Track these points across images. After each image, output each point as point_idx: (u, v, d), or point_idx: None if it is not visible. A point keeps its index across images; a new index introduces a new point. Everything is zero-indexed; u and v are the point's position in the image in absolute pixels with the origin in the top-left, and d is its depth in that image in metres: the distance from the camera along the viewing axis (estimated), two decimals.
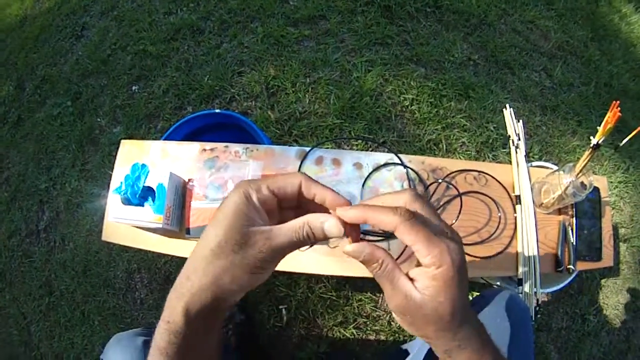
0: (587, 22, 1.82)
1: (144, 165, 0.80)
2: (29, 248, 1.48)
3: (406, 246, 0.81)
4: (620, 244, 1.41)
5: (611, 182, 1.48)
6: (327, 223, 0.34)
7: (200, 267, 0.34)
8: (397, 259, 0.81)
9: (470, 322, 0.35)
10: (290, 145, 1.01)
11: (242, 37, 1.61)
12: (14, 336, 1.42)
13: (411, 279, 0.34)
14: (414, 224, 0.32)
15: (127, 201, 0.79)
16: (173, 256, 1.28)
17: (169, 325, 0.34)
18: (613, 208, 1.45)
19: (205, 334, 0.37)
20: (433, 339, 0.35)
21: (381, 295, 1.27)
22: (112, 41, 1.71)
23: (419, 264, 0.35)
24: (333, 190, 0.36)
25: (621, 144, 0.77)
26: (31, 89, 1.73)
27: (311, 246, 0.41)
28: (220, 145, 0.88)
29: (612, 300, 1.36)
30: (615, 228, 1.42)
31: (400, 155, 0.89)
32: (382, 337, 1.23)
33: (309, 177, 0.37)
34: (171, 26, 1.66)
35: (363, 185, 0.86)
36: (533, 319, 0.72)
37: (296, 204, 0.38)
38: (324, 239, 0.35)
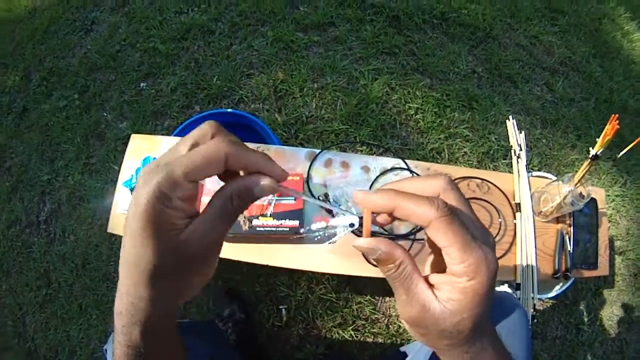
0: (590, 39, 1.87)
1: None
2: (28, 239, 1.48)
3: (412, 244, 0.83)
4: (616, 256, 1.44)
5: (608, 195, 1.51)
6: (260, 184, 0.29)
7: (144, 294, 0.29)
8: None
9: (486, 333, 0.31)
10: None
11: (252, 40, 1.63)
12: (9, 327, 1.41)
13: (431, 285, 0.29)
14: (451, 222, 0.26)
15: None
16: None
17: (130, 348, 0.31)
18: (610, 221, 1.48)
19: (169, 349, 0.35)
20: (444, 351, 0.31)
21: (380, 298, 1.28)
22: (121, 37, 1.72)
23: (437, 268, 0.30)
24: (269, 158, 0.29)
25: (619, 156, 0.80)
26: (38, 80, 1.73)
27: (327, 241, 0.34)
28: None
29: (607, 311, 1.38)
30: (611, 241, 1.45)
31: (406, 161, 0.91)
32: (380, 340, 1.24)
33: (234, 142, 0.28)
34: (182, 25, 1.68)
35: (370, 188, 0.87)
36: (530, 323, 0.74)
37: None
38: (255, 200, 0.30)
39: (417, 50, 1.64)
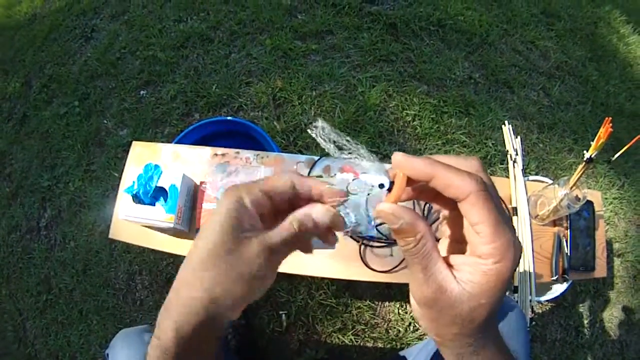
0: (586, 43, 1.89)
1: (157, 166, 0.83)
2: (28, 245, 1.48)
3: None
4: (615, 258, 1.45)
5: (606, 198, 1.52)
6: (315, 209, 0.30)
7: (190, 279, 0.30)
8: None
9: (491, 328, 0.30)
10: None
11: (250, 48, 1.65)
12: (9, 332, 1.41)
13: (450, 265, 0.28)
14: (488, 199, 0.26)
15: (138, 200, 0.81)
16: (176, 258, 1.31)
17: (160, 342, 0.31)
18: (608, 223, 1.49)
19: (198, 357, 0.33)
20: (449, 341, 0.29)
21: (379, 303, 1.29)
22: (121, 45, 1.74)
23: (454, 249, 0.30)
24: (327, 185, 0.31)
25: (613, 158, 0.81)
26: (38, 87, 1.74)
27: (309, 251, 0.35)
28: (231, 151, 0.91)
29: (606, 313, 1.39)
30: (609, 243, 1.46)
31: None
32: (380, 345, 1.24)
33: (299, 174, 0.33)
34: (181, 34, 1.70)
35: (368, 194, 0.88)
36: (528, 325, 0.75)
37: (290, 207, 0.33)
38: (318, 231, 0.31)
39: (414, 57, 1.65)
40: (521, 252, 0.27)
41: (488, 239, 0.26)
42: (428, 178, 0.27)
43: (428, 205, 0.90)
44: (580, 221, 0.94)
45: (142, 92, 1.63)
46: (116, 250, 1.39)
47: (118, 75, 1.67)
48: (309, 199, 0.32)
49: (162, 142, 1.49)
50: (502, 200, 0.91)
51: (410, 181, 0.28)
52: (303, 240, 0.31)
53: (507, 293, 1.00)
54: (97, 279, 1.38)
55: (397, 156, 0.28)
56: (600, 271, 0.93)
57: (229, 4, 1.76)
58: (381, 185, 0.29)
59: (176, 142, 1.05)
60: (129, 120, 1.58)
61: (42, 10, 2.01)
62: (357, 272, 0.85)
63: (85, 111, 1.63)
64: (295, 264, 0.85)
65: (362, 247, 0.86)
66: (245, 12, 1.72)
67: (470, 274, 0.27)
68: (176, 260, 1.31)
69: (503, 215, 0.27)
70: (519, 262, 0.27)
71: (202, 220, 0.83)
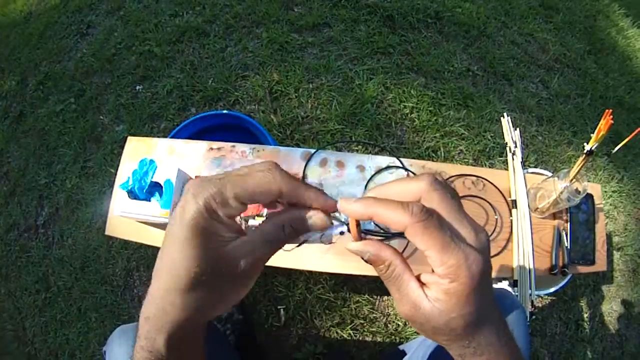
0: (584, 36, 1.88)
1: (152, 161, 0.82)
2: (26, 243, 1.48)
3: (408, 243, 0.84)
4: (614, 252, 1.44)
5: (605, 191, 1.51)
6: (313, 218, 0.30)
7: (177, 301, 0.29)
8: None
9: (489, 323, 0.30)
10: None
11: (246, 41, 1.64)
12: (8, 331, 1.41)
13: (423, 283, 0.30)
14: (427, 226, 0.26)
15: (133, 196, 0.80)
16: None
17: (151, 354, 0.31)
18: (607, 217, 1.48)
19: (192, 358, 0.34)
20: (445, 345, 0.31)
21: (378, 297, 1.29)
22: (117, 40, 1.73)
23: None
24: (323, 193, 0.31)
25: (613, 151, 0.81)
26: (34, 84, 1.73)
27: (298, 245, 0.35)
28: (227, 145, 0.90)
29: (606, 307, 1.39)
30: (609, 236, 1.45)
31: (401, 159, 0.91)
32: (379, 339, 1.24)
33: (289, 177, 0.30)
34: (177, 28, 1.69)
35: (365, 187, 0.88)
36: (528, 319, 0.74)
37: None
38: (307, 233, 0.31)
39: (412, 50, 1.64)
40: (481, 263, 0.27)
41: (437, 262, 0.27)
42: (369, 218, 0.29)
43: None
44: (579, 214, 0.94)
45: (138, 87, 1.62)
46: (114, 247, 1.39)
47: (114, 71, 1.66)
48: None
49: (159, 137, 1.48)
50: (502, 194, 0.91)
51: None
52: (288, 242, 0.31)
53: (507, 287, 1.00)
54: (95, 276, 1.38)
55: (341, 203, 0.30)
56: (601, 265, 0.93)
57: None
58: (341, 233, 0.32)
59: (172, 137, 1.04)
60: (125, 115, 1.57)
61: (38, 8, 2.00)
62: (354, 266, 0.84)
63: (81, 108, 1.62)
64: (293, 258, 0.84)
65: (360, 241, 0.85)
66: (241, 6, 1.71)
67: (436, 292, 0.28)
68: None
69: (459, 230, 0.28)
70: (485, 274, 0.27)
71: None
